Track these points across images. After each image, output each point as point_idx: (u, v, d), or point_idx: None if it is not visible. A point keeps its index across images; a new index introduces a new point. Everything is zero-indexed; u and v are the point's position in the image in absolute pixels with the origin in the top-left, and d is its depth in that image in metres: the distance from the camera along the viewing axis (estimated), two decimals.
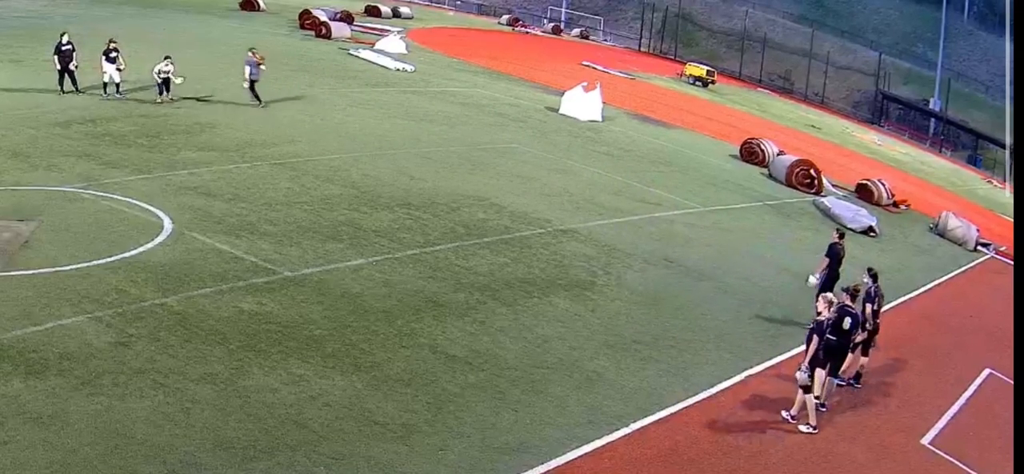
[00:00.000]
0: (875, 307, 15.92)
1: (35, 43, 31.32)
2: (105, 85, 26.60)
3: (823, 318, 13.99)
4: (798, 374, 14.03)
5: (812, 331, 13.94)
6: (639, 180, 28.33)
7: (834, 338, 14.23)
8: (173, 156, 21.60)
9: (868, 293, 16.03)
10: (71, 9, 43.78)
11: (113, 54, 26.38)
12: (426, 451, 11.22)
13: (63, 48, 26.19)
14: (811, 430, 14.03)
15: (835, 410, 15.07)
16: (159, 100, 26.73)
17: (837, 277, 18.42)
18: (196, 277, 14.87)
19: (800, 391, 14.13)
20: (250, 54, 28.62)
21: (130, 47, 27.42)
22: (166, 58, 26.98)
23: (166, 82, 26.91)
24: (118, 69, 26.46)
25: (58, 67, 26.23)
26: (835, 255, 18.58)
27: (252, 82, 28.32)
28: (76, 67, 26.31)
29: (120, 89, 26.69)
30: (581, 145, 32.04)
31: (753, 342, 17.05)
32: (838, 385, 15.27)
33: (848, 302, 14.81)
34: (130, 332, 12.64)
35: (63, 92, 26.21)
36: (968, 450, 14.83)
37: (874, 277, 16.42)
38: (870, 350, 16.17)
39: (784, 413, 14.33)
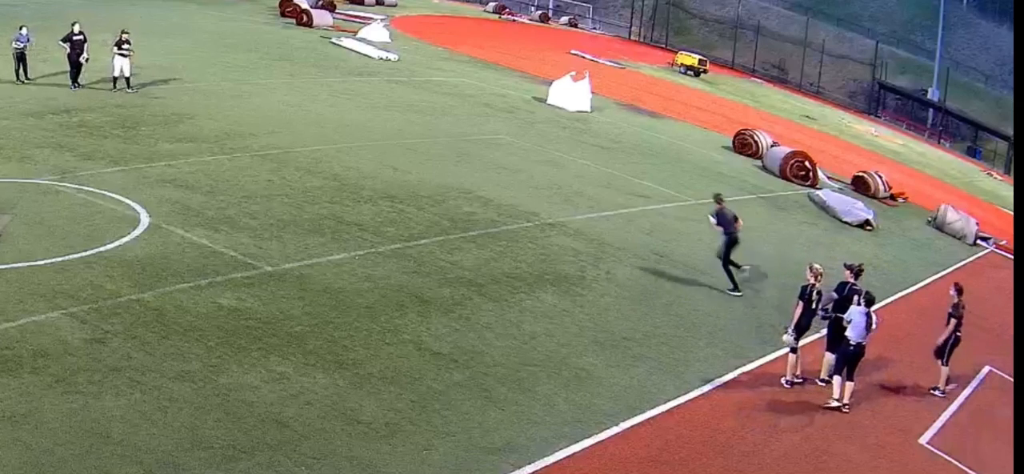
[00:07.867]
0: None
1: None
2: (115, 79, 25.82)
3: (808, 284, 14.84)
4: (785, 337, 14.93)
5: (799, 296, 14.94)
6: (629, 172, 28.08)
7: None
8: (150, 148, 21.26)
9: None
10: None
11: (125, 45, 25.57)
12: (410, 451, 11.08)
13: (75, 37, 25.27)
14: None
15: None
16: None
17: (735, 241, 18.78)
18: (173, 272, 14.62)
19: (790, 354, 15.05)
20: None
21: (99, 35, 26.81)
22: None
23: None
24: (126, 59, 25.64)
25: (70, 57, 25.20)
26: (725, 219, 18.80)
27: None
28: (86, 59, 25.41)
29: (131, 83, 26.01)
30: (569, 136, 31.76)
31: (746, 339, 16.82)
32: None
33: (851, 279, 15.10)
34: (106, 328, 12.44)
35: (75, 87, 25.36)
36: (967, 450, 14.67)
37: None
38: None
39: (783, 380, 15.11)
